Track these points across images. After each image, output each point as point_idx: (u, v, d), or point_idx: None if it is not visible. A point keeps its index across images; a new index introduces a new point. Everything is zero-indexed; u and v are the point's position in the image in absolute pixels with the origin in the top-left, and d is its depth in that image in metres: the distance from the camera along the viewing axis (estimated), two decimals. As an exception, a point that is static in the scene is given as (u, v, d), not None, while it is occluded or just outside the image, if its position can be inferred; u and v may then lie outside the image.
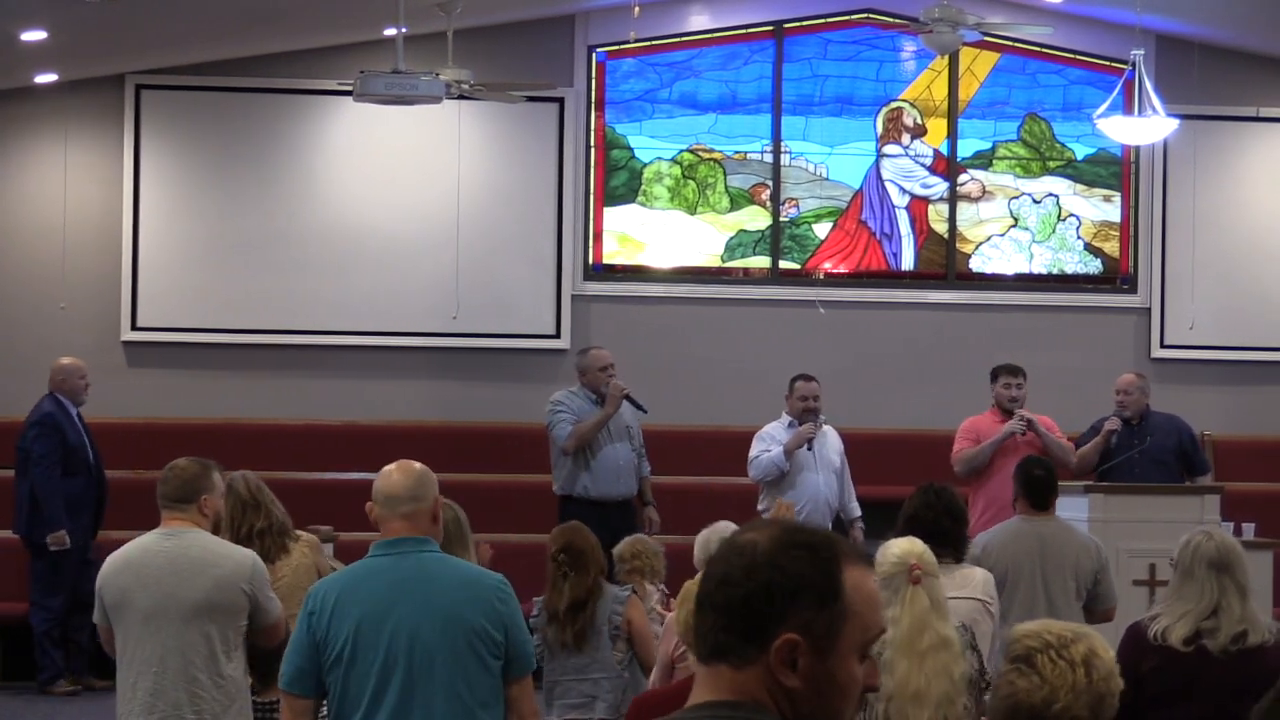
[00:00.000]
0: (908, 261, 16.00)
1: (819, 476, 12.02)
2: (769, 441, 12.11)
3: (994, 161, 16.05)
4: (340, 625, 5.42)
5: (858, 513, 12.31)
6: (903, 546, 6.11)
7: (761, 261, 15.89)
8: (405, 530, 5.55)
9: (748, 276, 15.88)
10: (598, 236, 15.73)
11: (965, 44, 13.82)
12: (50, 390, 13.02)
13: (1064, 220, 16.09)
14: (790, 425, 12.15)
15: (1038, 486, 9.02)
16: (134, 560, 6.60)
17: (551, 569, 8.21)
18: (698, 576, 5.91)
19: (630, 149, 15.78)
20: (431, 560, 5.55)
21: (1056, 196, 16.08)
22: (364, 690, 5.41)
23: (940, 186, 16.01)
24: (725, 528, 8.12)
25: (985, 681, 6.13)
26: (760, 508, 11.89)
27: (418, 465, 5.72)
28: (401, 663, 5.41)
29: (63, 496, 12.66)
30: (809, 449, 12.02)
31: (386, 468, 5.72)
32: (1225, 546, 6.30)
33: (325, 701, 5.56)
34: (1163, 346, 15.87)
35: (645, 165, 15.79)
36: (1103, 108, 13.77)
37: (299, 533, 8.03)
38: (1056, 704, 3.36)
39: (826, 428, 12.28)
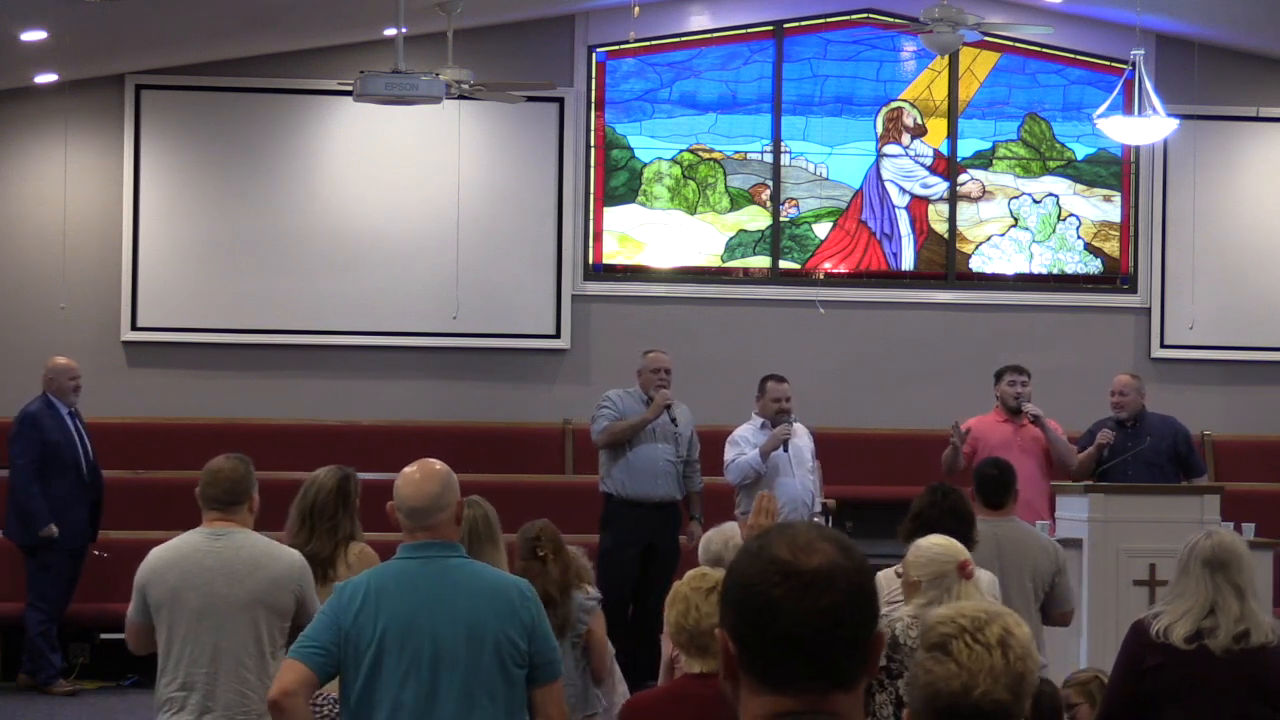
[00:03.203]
0: (908, 261, 15.99)
1: (795, 480, 11.93)
2: (743, 445, 12.03)
3: (994, 161, 16.05)
4: (366, 628, 5.39)
5: (819, 507, 12.29)
6: (940, 544, 6.11)
7: (761, 261, 15.88)
8: (429, 537, 5.52)
9: (748, 276, 15.88)
10: (598, 236, 15.73)
11: (965, 44, 13.82)
12: (43, 390, 13.06)
13: (1064, 220, 16.09)
14: (762, 427, 12.07)
15: (990, 485, 8.93)
16: (184, 559, 6.56)
17: (525, 550, 7.91)
18: (689, 577, 5.93)
19: (630, 149, 15.78)
20: (457, 567, 5.52)
21: (1056, 196, 16.08)
22: (386, 695, 5.39)
23: (940, 186, 16.01)
24: (731, 529, 8.10)
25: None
26: (739, 511, 11.81)
27: (438, 468, 5.62)
28: (426, 670, 5.38)
29: (44, 496, 12.66)
30: (784, 451, 11.96)
31: (407, 470, 5.62)
32: (1222, 546, 6.28)
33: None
34: (1163, 346, 15.87)
35: (645, 165, 15.78)
36: (1103, 108, 13.77)
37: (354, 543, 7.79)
38: (976, 689, 3.26)
39: (797, 425, 12.22)
